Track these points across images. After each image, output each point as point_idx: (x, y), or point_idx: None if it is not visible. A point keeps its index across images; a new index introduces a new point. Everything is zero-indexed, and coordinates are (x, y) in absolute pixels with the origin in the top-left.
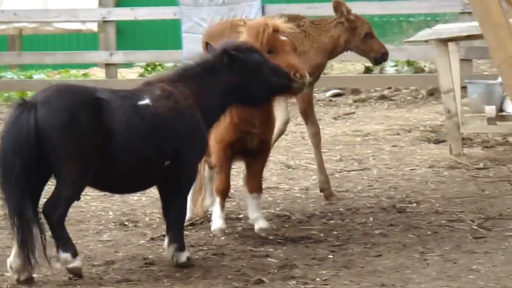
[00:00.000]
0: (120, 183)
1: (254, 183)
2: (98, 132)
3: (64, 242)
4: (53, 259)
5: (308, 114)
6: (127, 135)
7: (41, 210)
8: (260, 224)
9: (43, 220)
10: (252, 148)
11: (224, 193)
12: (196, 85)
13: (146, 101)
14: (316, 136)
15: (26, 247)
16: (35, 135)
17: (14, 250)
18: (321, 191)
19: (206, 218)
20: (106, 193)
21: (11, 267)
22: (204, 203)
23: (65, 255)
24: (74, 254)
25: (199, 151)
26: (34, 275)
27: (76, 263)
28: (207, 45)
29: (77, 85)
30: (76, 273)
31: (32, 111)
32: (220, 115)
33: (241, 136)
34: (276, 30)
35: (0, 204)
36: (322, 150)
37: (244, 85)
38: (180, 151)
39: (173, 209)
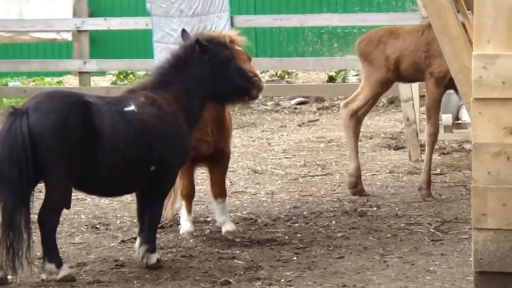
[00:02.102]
0: (107, 186)
1: (218, 189)
2: (88, 134)
3: (51, 252)
4: (37, 264)
5: (431, 113)
6: (115, 139)
7: (36, 219)
8: (227, 227)
9: (32, 225)
10: (210, 156)
11: (189, 196)
12: (176, 89)
13: (131, 107)
14: (431, 137)
15: (13, 250)
16: (30, 141)
17: None
18: (419, 189)
19: (175, 221)
20: (78, 197)
21: None
22: (174, 207)
23: (50, 266)
24: (59, 264)
25: (181, 157)
26: (8, 276)
27: (62, 272)
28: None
29: (66, 90)
30: (68, 281)
31: (24, 117)
32: (200, 115)
33: (195, 145)
34: (231, 41)
35: None
36: (287, 156)
37: (211, 78)
38: (164, 157)
39: (149, 211)
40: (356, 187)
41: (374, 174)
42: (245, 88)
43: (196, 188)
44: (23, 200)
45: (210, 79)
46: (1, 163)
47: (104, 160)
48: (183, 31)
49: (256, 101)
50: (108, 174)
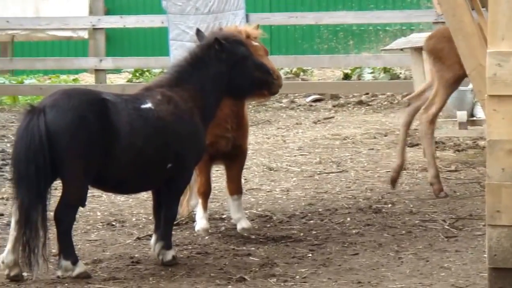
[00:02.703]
0: (123, 184)
1: (234, 186)
2: (105, 132)
3: (66, 249)
4: (53, 261)
5: None
6: (132, 136)
7: (52, 216)
8: (242, 224)
9: (49, 222)
10: (228, 152)
11: (205, 194)
12: (192, 87)
13: (148, 105)
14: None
15: (29, 247)
16: (47, 139)
17: (8, 247)
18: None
19: (191, 218)
20: (94, 194)
21: (3, 262)
22: (189, 204)
23: (66, 263)
24: (74, 261)
25: (197, 154)
26: (24, 273)
27: (77, 269)
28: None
29: (83, 88)
30: (84, 277)
31: (41, 115)
32: (216, 112)
33: (214, 141)
34: (247, 37)
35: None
36: (302, 153)
37: (230, 76)
38: (180, 154)
39: (165, 209)
40: (441, 192)
41: (389, 171)
42: (265, 82)
43: (212, 185)
44: (40, 198)
45: (228, 77)
46: (19, 161)
47: (121, 157)
48: (198, 30)
49: (272, 98)
50: (125, 172)
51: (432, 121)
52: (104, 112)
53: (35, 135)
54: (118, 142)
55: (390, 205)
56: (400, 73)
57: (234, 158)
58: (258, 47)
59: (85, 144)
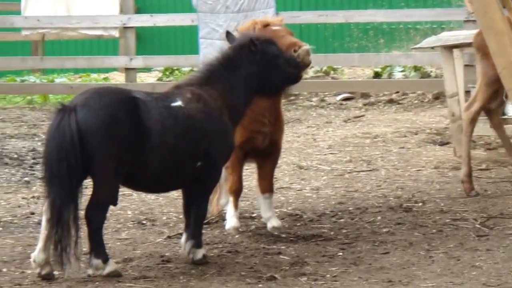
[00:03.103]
0: (154, 182)
1: (266, 184)
2: (136, 130)
3: (97, 248)
4: (83, 260)
5: None
6: (163, 134)
7: (83, 215)
8: (272, 223)
9: (80, 221)
10: (263, 149)
11: (237, 193)
12: (222, 86)
13: (178, 103)
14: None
15: (61, 246)
16: (78, 138)
17: (39, 246)
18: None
19: (221, 217)
20: (125, 192)
21: (34, 261)
22: (220, 203)
23: (97, 262)
24: (105, 260)
25: (226, 152)
26: (55, 271)
27: (108, 268)
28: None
29: (114, 87)
30: (114, 276)
31: (73, 114)
32: (245, 111)
33: (251, 136)
34: (266, 25)
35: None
36: (332, 152)
37: (262, 76)
38: (210, 153)
39: (195, 207)
40: (472, 191)
41: (419, 170)
42: (296, 75)
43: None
44: (72, 196)
45: (260, 77)
46: (50, 160)
47: (152, 156)
48: (228, 32)
49: (301, 97)
50: (155, 170)
51: (473, 119)
52: (135, 110)
53: (66, 134)
54: (149, 141)
55: (420, 204)
56: (431, 71)
57: (269, 155)
58: (278, 30)
59: (116, 143)
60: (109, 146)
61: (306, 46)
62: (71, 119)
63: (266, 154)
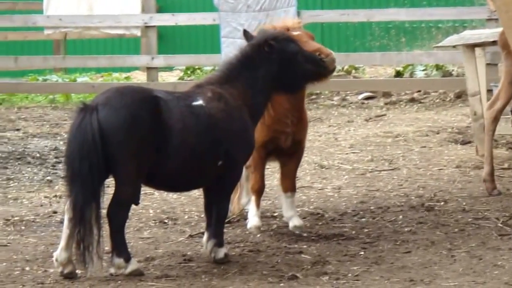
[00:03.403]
0: (175, 181)
1: (288, 183)
2: (158, 129)
3: (119, 247)
4: (105, 258)
5: None
6: (184, 133)
7: (105, 214)
8: (294, 222)
9: (102, 220)
10: (286, 148)
11: (259, 192)
12: (241, 85)
13: (199, 102)
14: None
15: (83, 245)
16: (100, 136)
17: (61, 244)
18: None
19: (242, 216)
20: (146, 191)
21: (56, 260)
22: (241, 202)
23: (119, 261)
24: (127, 259)
25: (247, 151)
26: (77, 270)
27: (130, 267)
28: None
29: (135, 86)
30: (136, 275)
31: (94, 113)
32: (264, 110)
33: (274, 136)
34: (287, 29)
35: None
36: (354, 151)
37: (281, 74)
38: (231, 152)
39: (216, 206)
40: (494, 190)
41: (441, 169)
42: (318, 72)
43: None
44: (93, 195)
45: (279, 75)
46: (72, 159)
47: (173, 155)
48: (245, 31)
49: (323, 96)
50: (176, 169)
51: (496, 117)
52: (156, 109)
53: (88, 133)
54: (170, 140)
55: (442, 203)
56: (453, 70)
57: (292, 154)
58: (301, 35)
59: (137, 142)
60: (130, 145)
61: (332, 55)
62: (93, 118)
63: (290, 154)
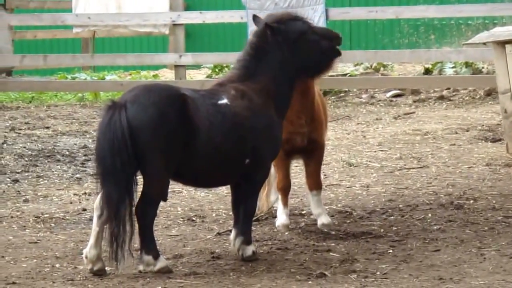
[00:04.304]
0: (202, 178)
1: (313, 181)
2: (185, 127)
3: (148, 244)
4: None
5: None
6: (211, 132)
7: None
8: (322, 219)
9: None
10: (304, 148)
11: (285, 190)
12: (262, 78)
13: (224, 100)
14: None
15: (116, 242)
16: (129, 134)
17: (91, 241)
18: None
19: (271, 214)
20: (174, 189)
21: (86, 257)
22: (269, 199)
23: (148, 258)
24: (156, 256)
25: (274, 148)
26: (106, 267)
27: (159, 264)
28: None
29: (162, 84)
30: (165, 272)
31: (123, 110)
32: (290, 101)
33: (289, 138)
34: None
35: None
36: (382, 148)
37: (298, 57)
38: (258, 149)
39: (244, 203)
40: None
41: (471, 167)
42: (334, 49)
43: (291, 181)
44: (127, 192)
45: (294, 57)
46: (103, 156)
47: (199, 153)
48: (254, 16)
49: (351, 93)
50: (203, 167)
51: None
52: (183, 107)
53: (117, 130)
54: (197, 137)
55: (472, 201)
56: (483, 67)
57: (311, 153)
58: None
59: (165, 139)
60: (158, 143)
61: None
62: (122, 116)
63: (309, 152)
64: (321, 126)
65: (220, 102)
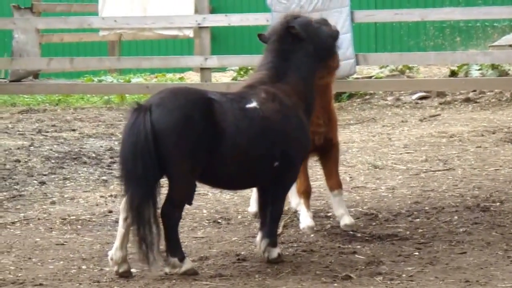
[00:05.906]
0: (229, 181)
1: (332, 181)
2: (211, 131)
3: (173, 246)
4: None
5: None
6: (238, 136)
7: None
8: (345, 220)
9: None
10: (320, 147)
11: (306, 193)
12: (292, 78)
13: (253, 104)
14: None
15: (145, 244)
16: (153, 137)
17: (116, 244)
18: None
19: (296, 216)
20: (200, 191)
21: (111, 259)
22: (291, 204)
23: (173, 260)
24: (182, 258)
25: (303, 150)
26: (132, 269)
27: (185, 266)
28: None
29: (189, 87)
30: (191, 274)
31: (148, 113)
32: (315, 97)
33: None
34: None
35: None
36: (408, 151)
37: (317, 50)
38: (287, 152)
39: (271, 206)
40: None
41: (497, 169)
42: (336, 31)
43: (316, 183)
44: (149, 195)
45: (317, 53)
46: (126, 159)
47: (226, 157)
48: (260, 35)
49: (377, 96)
50: (230, 171)
51: None
52: (209, 111)
53: (140, 133)
54: (224, 142)
55: (498, 204)
56: (509, 69)
57: (328, 152)
58: None
59: (190, 143)
60: (183, 146)
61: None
62: (146, 119)
63: (325, 152)
64: (335, 125)
65: (248, 105)
